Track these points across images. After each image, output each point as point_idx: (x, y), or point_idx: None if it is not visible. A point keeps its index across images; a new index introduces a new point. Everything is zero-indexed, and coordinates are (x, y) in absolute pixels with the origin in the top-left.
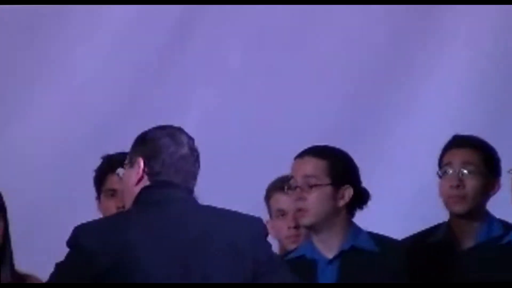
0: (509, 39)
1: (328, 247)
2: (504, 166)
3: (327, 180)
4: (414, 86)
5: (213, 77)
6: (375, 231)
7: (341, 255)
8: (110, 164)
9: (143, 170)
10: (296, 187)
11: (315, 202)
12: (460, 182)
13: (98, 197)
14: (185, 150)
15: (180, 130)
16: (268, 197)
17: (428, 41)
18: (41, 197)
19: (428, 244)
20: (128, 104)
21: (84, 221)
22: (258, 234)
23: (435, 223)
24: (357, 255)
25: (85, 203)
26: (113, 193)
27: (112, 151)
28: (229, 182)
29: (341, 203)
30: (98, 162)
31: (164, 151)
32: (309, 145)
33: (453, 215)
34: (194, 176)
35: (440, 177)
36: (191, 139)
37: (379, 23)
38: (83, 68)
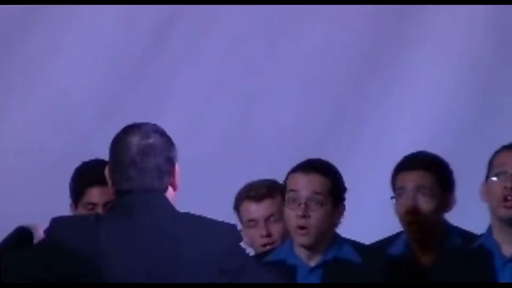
0: (481, 39)
1: (310, 255)
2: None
3: (330, 199)
4: (390, 83)
5: (194, 78)
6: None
7: (324, 264)
8: (88, 177)
9: (110, 179)
10: (300, 203)
11: (318, 221)
12: (416, 208)
13: (75, 206)
14: (138, 142)
15: (134, 128)
16: (237, 206)
17: (405, 39)
18: (19, 205)
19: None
20: (107, 107)
21: None
22: (230, 242)
23: None
24: (340, 265)
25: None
26: (92, 206)
27: (91, 156)
28: (209, 183)
29: (337, 220)
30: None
31: (116, 153)
32: (283, 145)
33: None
34: (156, 169)
35: (394, 198)
36: (150, 130)
37: (357, 24)
38: (61, 71)
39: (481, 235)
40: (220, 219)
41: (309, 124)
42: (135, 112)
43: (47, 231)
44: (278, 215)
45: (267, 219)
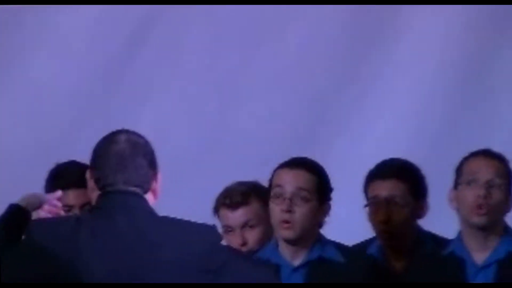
0: (458, 43)
1: (294, 254)
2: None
3: (315, 196)
4: (366, 85)
5: (174, 78)
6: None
7: (307, 264)
8: (64, 179)
9: (92, 181)
10: (284, 198)
11: (303, 216)
12: (388, 217)
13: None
14: (119, 147)
15: (121, 131)
16: (215, 211)
17: (380, 40)
18: None
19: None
20: (83, 110)
21: None
22: (210, 242)
23: None
24: (323, 265)
25: None
26: (68, 209)
27: (66, 156)
28: (189, 183)
29: (322, 219)
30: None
31: (99, 155)
32: (262, 146)
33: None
34: (137, 171)
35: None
36: (134, 135)
37: (334, 23)
38: (36, 72)
39: (451, 241)
40: (199, 221)
41: (288, 125)
42: (114, 112)
43: (26, 232)
44: (255, 221)
45: (242, 227)
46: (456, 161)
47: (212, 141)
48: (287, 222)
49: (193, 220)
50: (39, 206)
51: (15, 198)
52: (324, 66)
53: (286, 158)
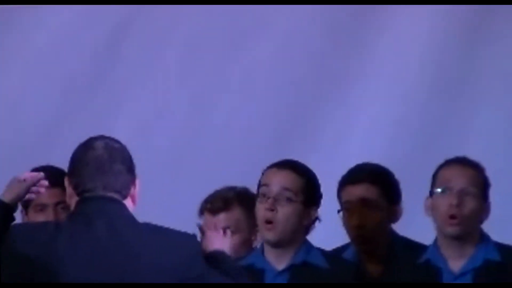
0: (439, 44)
1: (279, 259)
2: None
3: (300, 198)
4: (350, 84)
5: (148, 82)
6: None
7: (291, 268)
8: None
9: (70, 187)
10: (269, 197)
11: (285, 216)
12: (361, 222)
13: (25, 211)
14: (98, 153)
15: (98, 137)
16: (200, 214)
17: (363, 42)
18: None
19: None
20: (60, 111)
21: None
22: (189, 252)
23: None
24: (307, 270)
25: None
26: (42, 208)
27: (44, 161)
28: (166, 188)
29: (306, 222)
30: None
31: (77, 161)
32: (240, 149)
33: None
34: (115, 177)
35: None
36: (111, 141)
37: (315, 23)
38: (9, 78)
39: (427, 247)
40: (180, 227)
41: (266, 127)
42: (86, 122)
43: (7, 236)
44: (234, 227)
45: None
46: (435, 165)
47: (190, 145)
48: (269, 222)
49: (173, 226)
50: (25, 193)
51: None
52: (304, 67)
53: (267, 161)
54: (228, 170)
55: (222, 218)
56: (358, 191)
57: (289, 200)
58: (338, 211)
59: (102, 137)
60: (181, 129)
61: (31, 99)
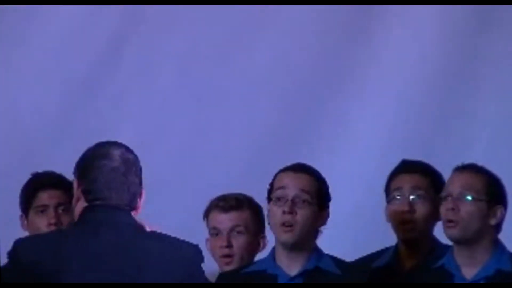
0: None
1: (291, 264)
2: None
3: (316, 201)
4: (350, 87)
5: (148, 90)
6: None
7: (304, 274)
8: (39, 181)
9: (78, 191)
10: (286, 200)
11: (303, 219)
12: (411, 207)
13: (25, 215)
14: (115, 164)
15: (113, 144)
16: (206, 214)
17: (367, 39)
18: None
19: (374, 268)
20: (60, 116)
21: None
22: (191, 262)
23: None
24: (320, 275)
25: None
26: (43, 209)
27: (45, 164)
28: (166, 198)
29: (319, 225)
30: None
31: (91, 168)
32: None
33: (401, 239)
34: (128, 190)
35: (388, 202)
36: (127, 152)
37: (315, 23)
38: (9, 82)
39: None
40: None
41: (263, 133)
42: (89, 124)
43: (10, 254)
44: (243, 228)
45: (230, 230)
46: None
47: (192, 152)
48: (288, 225)
49: (174, 230)
50: None
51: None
52: (306, 67)
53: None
54: (231, 173)
55: (233, 216)
56: (410, 179)
57: (306, 202)
58: (388, 201)
59: (118, 146)
60: (186, 131)
61: (33, 101)
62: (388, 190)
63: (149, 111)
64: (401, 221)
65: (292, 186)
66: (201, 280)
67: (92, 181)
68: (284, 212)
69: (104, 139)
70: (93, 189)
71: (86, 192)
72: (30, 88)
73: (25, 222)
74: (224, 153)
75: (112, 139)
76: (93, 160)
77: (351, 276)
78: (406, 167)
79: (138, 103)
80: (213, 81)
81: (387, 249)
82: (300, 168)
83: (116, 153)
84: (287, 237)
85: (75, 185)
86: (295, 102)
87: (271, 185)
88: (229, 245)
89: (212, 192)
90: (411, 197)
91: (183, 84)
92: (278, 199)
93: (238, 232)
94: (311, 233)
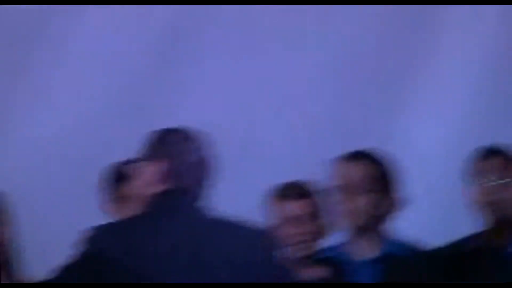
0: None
1: (363, 249)
2: None
3: (376, 187)
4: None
5: (207, 79)
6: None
7: (376, 259)
8: (122, 171)
9: (147, 176)
10: (349, 188)
11: (367, 206)
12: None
13: (109, 202)
14: (182, 148)
15: (180, 130)
16: (271, 203)
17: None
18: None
19: (464, 251)
20: (119, 109)
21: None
22: (263, 245)
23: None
24: (391, 259)
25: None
26: (126, 199)
27: (104, 159)
28: (232, 183)
29: (384, 210)
30: (99, 167)
31: (172, 155)
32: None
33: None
34: (197, 174)
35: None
36: (193, 136)
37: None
38: (75, 73)
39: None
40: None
41: (328, 121)
42: (145, 120)
43: (82, 242)
44: (310, 215)
45: (300, 217)
46: None
47: (257, 140)
48: (352, 213)
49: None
50: None
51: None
52: (369, 63)
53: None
54: (295, 164)
55: (302, 203)
56: (496, 162)
57: (369, 189)
58: (474, 183)
59: (183, 130)
60: (250, 118)
61: (90, 97)
62: (472, 172)
63: (212, 96)
64: (491, 202)
65: (354, 173)
66: (273, 264)
67: (161, 166)
68: (344, 201)
69: (169, 124)
70: (162, 175)
71: (154, 178)
72: (87, 85)
73: (110, 208)
74: (293, 143)
75: (177, 124)
76: (159, 144)
77: (423, 259)
78: (489, 152)
79: (202, 89)
80: (282, 68)
81: (475, 234)
82: (358, 156)
83: (184, 138)
84: (352, 225)
85: (143, 170)
86: (359, 91)
87: (331, 174)
88: (299, 231)
89: (276, 179)
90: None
91: (248, 69)
92: (339, 189)
93: (306, 219)
94: (377, 219)
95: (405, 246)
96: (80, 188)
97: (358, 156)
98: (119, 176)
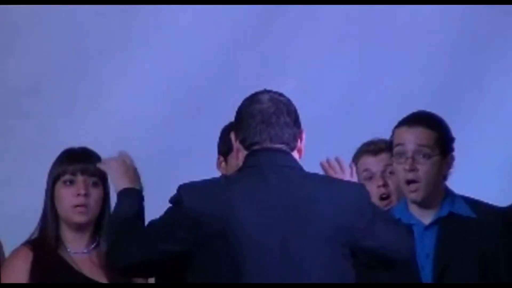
0: None
1: (425, 212)
2: None
3: (437, 151)
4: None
5: (279, 77)
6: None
7: (438, 221)
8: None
9: (237, 142)
10: (407, 157)
11: (427, 173)
12: None
13: (225, 160)
14: (264, 105)
15: (262, 91)
16: (355, 160)
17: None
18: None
19: None
20: (184, 110)
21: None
22: (360, 202)
23: None
24: (454, 221)
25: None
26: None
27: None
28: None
29: (446, 171)
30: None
31: (244, 115)
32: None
33: None
34: (282, 130)
35: None
36: (276, 94)
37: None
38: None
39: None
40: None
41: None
42: (210, 120)
43: (173, 199)
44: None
45: (383, 172)
46: None
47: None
48: (412, 182)
49: None
50: None
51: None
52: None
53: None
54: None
55: (383, 157)
56: None
57: (427, 156)
58: None
59: (266, 91)
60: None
61: (156, 97)
62: None
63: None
64: None
65: (409, 142)
66: (367, 219)
67: (245, 128)
68: (405, 170)
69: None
70: (248, 135)
71: (242, 141)
72: (154, 84)
73: (223, 164)
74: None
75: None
76: (244, 107)
77: (486, 219)
78: None
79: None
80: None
81: None
82: (415, 121)
83: (265, 96)
84: (414, 196)
85: (233, 138)
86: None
87: (391, 140)
88: (385, 184)
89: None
90: None
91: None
92: (399, 155)
93: (391, 173)
94: (437, 182)
95: (468, 203)
96: None
97: (416, 120)
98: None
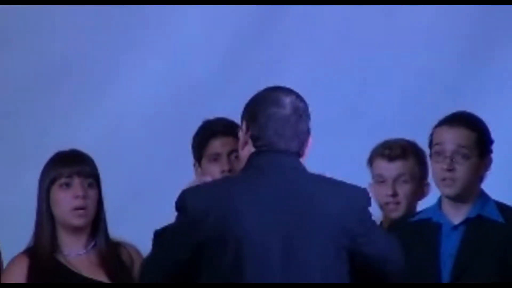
0: None
1: (456, 213)
2: None
3: (476, 152)
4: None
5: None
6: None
7: (466, 222)
8: (211, 129)
9: (247, 135)
10: (445, 156)
11: (464, 174)
12: None
13: (199, 163)
14: (286, 111)
15: (284, 90)
16: (371, 161)
17: None
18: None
19: None
20: (189, 113)
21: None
22: (361, 206)
23: None
24: (481, 224)
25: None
26: (216, 157)
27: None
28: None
29: (483, 173)
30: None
31: (262, 114)
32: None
33: None
34: (298, 138)
35: None
36: (297, 99)
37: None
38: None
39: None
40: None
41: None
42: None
43: (177, 205)
44: (408, 176)
45: (396, 179)
46: None
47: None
48: (447, 179)
49: None
50: None
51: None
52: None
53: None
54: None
55: (398, 165)
56: None
57: (465, 156)
58: None
59: (288, 92)
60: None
61: (156, 97)
62: None
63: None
64: None
65: (449, 141)
66: (366, 224)
67: (262, 127)
68: (443, 169)
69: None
70: (263, 136)
71: (255, 138)
72: (161, 85)
73: (199, 170)
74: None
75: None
76: (263, 106)
77: None
78: None
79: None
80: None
81: None
82: (456, 121)
83: (287, 100)
84: (448, 191)
85: (243, 128)
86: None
87: (430, 139)
88: (395, 194)
89: (375, 137)
90: None
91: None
92: (437, 154)
93: (404, 181)
94: (473, 183)
95: (498, 208)
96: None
97: (457, 120)
98: (207, 135)
